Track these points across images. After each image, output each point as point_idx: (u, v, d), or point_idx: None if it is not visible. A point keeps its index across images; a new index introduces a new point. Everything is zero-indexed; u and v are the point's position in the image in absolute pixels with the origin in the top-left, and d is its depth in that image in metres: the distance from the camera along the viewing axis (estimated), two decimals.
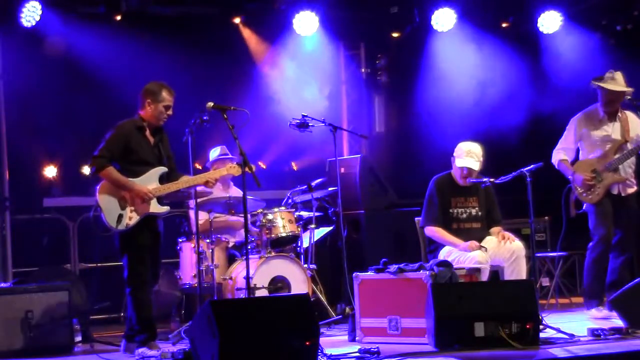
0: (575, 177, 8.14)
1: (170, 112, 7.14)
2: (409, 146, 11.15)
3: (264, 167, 10.71)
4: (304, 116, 8.44)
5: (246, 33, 10.42)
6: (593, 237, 8.15)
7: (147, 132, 7.14)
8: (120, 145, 7.01)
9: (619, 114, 8.16)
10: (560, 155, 8.26)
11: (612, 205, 8.09)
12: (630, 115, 8.20)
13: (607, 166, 8.06)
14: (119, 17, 9.72)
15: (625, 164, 8.11)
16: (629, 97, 8.09)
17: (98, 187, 7.01)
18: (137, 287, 6.99)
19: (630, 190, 8.17)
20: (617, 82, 8.03)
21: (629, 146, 8.09)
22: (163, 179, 7.13)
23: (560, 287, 9.59)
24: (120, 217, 6.94)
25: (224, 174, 7.38)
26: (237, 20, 10.35)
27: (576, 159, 8.30)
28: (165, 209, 7.15)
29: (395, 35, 11.14)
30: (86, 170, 9.95)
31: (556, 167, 8.29)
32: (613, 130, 8.14)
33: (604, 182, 8.07)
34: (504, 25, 11.14)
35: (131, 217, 6.97)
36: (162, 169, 7.14)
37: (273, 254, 8.37)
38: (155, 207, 7.06)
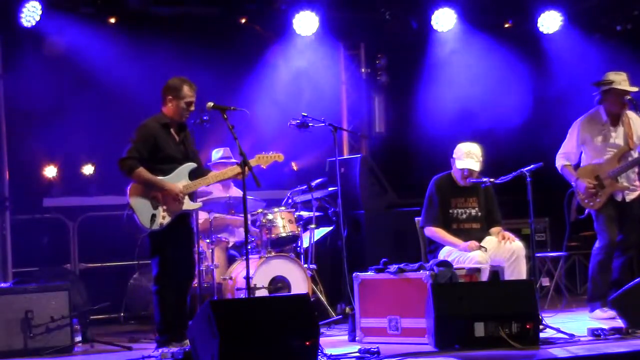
0: (578, 184, 8.07)
1: (192, 108, 7.06)
2: (409, 146, 11.14)
3: (264, 167, 10.67)
4: (304, 116, 8.43)
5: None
6: (598, 241, 8.09)
7: (172, 129, 7.07)
8: (148, 144, 6.94)
9: (622, 117, 8.10)
10: (563, 161, 8.19)
11: (615, 210, 8.03)
12: (632, 117, 8.10)
13: (611, 174, 7.99)
14: (119, 17, 9.72)
15: (628, 171, 8.08)
16: (629, 98, 8.04)
17: (128, 189, 6.96)
18: (164, 287, 6.94)
19: (633, 195, 8.09)
20: (626, 82, 8.00)
21: (634, 154, 8.04)
22: (192, 175, 7.08)
23: (560, 287, 9.58)
24: (153, 217, 6.88)
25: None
26: (242, 20, 10.36)
27: (579, 162, 8.26)
28: (198, 205, 7.15)
29: (395, 35, 11.12)
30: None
31: (559, 171, 8.25)
32: (617, 135, 8.06)
33: (606, 190, 8.00)
34: (504, 25, 11.13)
35: (164, 217, 6.91)
36: (192, 165, 7.09)
37: (273, 254, 8.38)
38: (188, 205, 7.02)
